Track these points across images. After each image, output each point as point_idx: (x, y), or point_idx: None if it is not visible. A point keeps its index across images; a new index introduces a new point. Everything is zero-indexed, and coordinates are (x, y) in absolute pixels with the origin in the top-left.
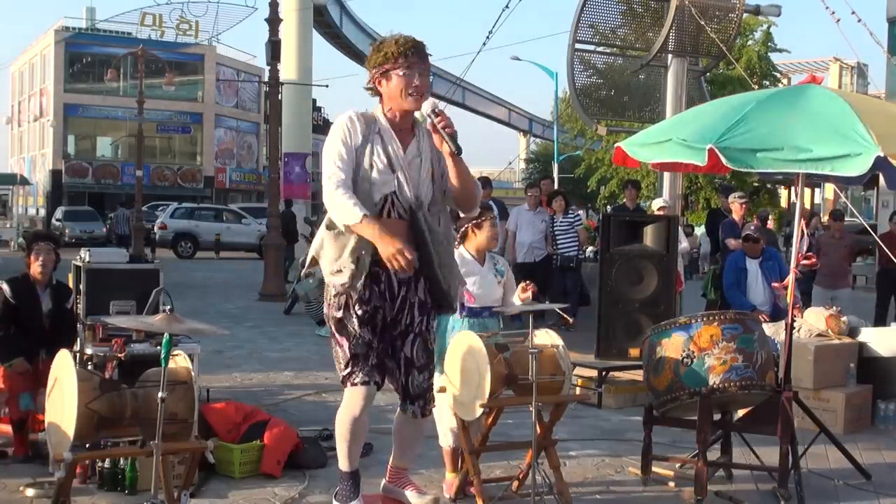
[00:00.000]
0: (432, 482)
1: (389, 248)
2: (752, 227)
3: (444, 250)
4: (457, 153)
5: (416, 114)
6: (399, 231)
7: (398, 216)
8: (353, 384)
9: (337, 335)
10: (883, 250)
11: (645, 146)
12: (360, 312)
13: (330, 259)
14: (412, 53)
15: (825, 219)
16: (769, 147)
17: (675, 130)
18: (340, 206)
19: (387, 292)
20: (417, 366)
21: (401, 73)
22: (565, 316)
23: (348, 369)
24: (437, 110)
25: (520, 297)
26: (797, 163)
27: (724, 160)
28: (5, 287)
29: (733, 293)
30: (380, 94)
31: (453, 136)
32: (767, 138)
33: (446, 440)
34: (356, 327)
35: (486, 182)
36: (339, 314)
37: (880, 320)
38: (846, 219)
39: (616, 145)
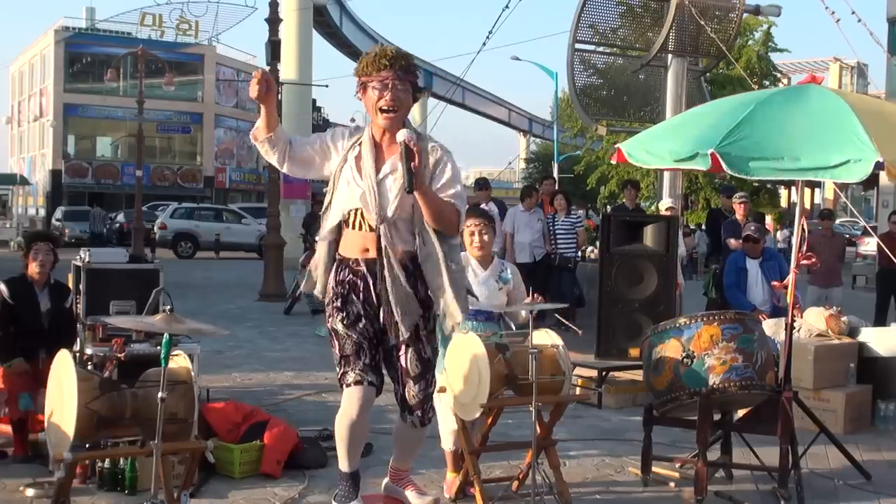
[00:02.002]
0: (433, 482)
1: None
2: (753, 227)
3: (425, 268)
4: (406, 189)
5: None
6: (371, 242)
7: (369, 228)
8: (347, 385)
9: (332, 339)
10: (883, 250)
11: (646, 152)
12: (339, 318)
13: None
14: (386, 67)
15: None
16: (769, 156)
17: (676, 134)
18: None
19: (365, 304)
20: (412, 376)
21: (374, 86)
22: (574, 328)
23: (341, 370)
24: (410, 143)
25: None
26: (797, 171)
27: (724, 166)
28: (3, 287)
29: (733, 293)
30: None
31: (410, 171)
32: (767, 146)
33: (447, 443)
34: (342, 330)
35: (484, 183)
36: (329, 321)
37: (880, 320)
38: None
39: (616, 146)
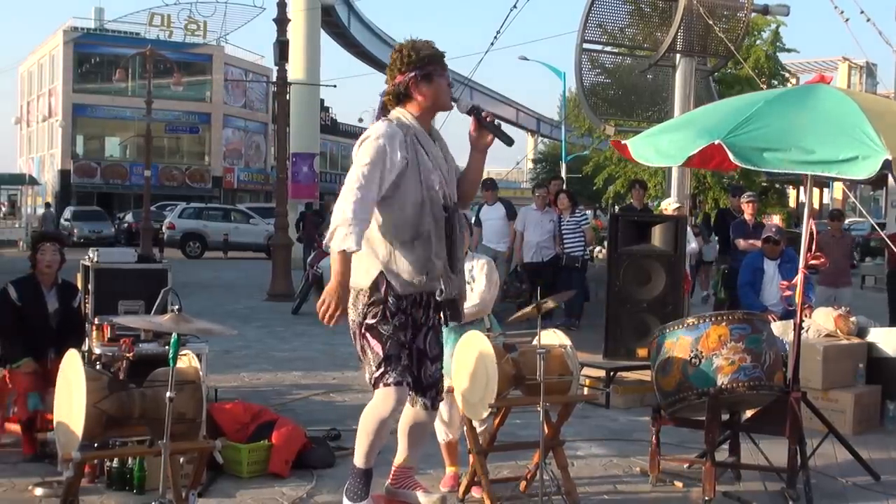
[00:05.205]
0: (438, 481)
1: (332, 295)
2: (774, 229)
3: (462, 254)
4: (510, 144)
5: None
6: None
7: (432, 217)
8: (386, 384)
9: (369, 338)
10: (892, 251)
11: (653, 148)
12: (398, 322)
13: (410, 267)
14: (443, 58)
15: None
16: (777, 147)
17: (682, 129)
18: (349, 231)
19: (419, 301)
20: (430, 357)
21: (444, 75)
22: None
23: (381, 370)
24: (478, 107)
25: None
26: (805, 164)
27: (731, 156)
28: (11, 289)
29: (746, 292)
30: (402, 100)
31: (499, 125)
32: (776, 138)
33: (440, 435)
34: (391, 330)
35: (490, 184)
36: (373, 321)
37: (895, 321)
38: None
39: (620, 141)
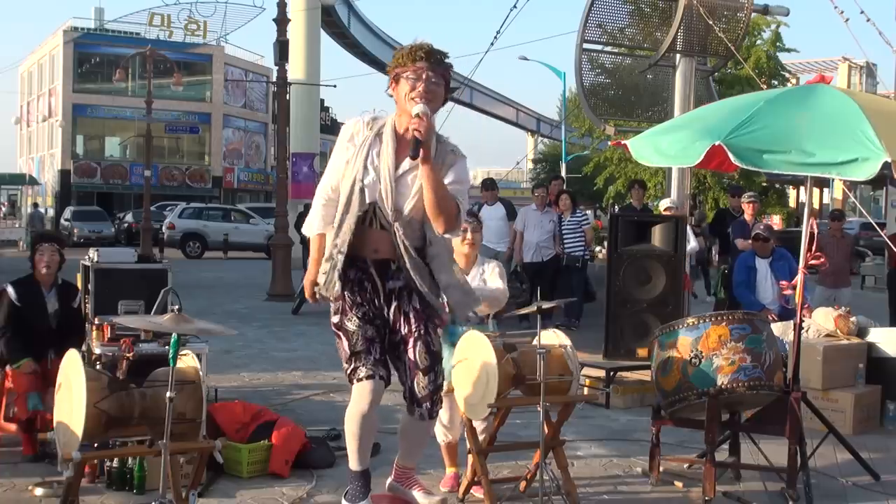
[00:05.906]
0: (438, 481)
1: (307, 276)
2: (762, 227)
3: (431, 266)
4: (411, 155)
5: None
6: (381, 242)
7: (379, 226)
8: (359, 379)
9: (341, 335)
10: (892, 251)
11: (653, 148)
12: (354, 314)
13: (327, 252)
14: (421, 59)
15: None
16: (777, 149)
17: (683, 129)
18: (310, 216)
19: (375, 300)
20: (421, 368)
21: (406, 77)
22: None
23: (351, 365)
24: (422, 114)
25: None
26: (805, 166)
27: (731, 157)
28: (10, 290)
29: (742, 292)
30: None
31: (416, 139)
32: (776, 139)
33: (439, 436)
34: (356, 325)
35: (490, 184)
36: (336, 318)
37: (895, 321)
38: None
39: (623, 142)
